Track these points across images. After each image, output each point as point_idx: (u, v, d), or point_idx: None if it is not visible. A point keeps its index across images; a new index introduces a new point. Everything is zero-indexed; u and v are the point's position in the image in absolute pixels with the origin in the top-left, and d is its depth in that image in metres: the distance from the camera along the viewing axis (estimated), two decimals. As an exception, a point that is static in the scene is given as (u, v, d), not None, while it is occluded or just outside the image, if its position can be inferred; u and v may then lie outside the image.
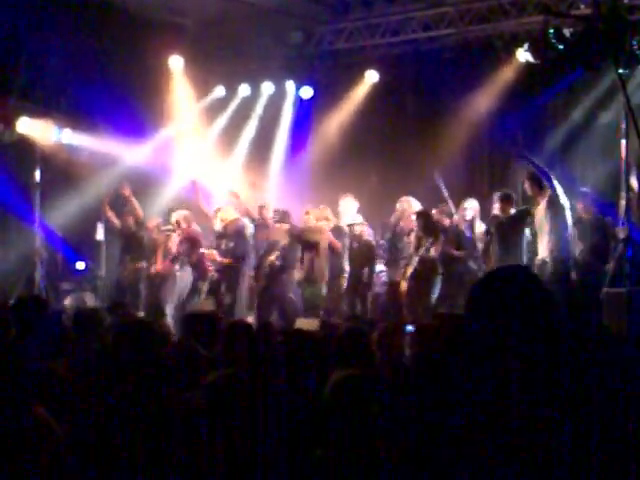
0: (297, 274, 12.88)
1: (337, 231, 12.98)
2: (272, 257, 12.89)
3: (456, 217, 12.45)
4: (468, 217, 12.38)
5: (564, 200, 10.90)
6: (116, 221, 13.98)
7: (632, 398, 3.11)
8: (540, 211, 11.14)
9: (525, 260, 11.29)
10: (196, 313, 8.89)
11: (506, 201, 11.58)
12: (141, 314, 12.44)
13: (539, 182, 11.15)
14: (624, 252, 10.50)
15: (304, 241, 12.74)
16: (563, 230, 10.90)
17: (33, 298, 7.85)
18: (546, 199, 11.00)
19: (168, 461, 3.83)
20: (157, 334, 6.03)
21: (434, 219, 12.21)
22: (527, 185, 11.35)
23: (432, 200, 12.87)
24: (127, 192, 13.80)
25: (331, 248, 12.81)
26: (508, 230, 11.39)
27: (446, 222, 12.42)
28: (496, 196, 11.75)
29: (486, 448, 2.41)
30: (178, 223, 13.27)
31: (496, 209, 11.65)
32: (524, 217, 11.44)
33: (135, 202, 13.84)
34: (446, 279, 11.87)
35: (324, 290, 12.84)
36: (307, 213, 13.09)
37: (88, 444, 3.84)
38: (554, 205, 10.91)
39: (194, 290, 13.26)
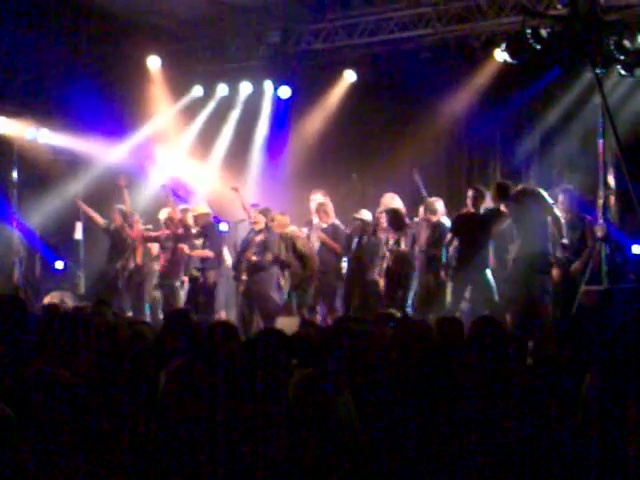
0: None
1: (333, 229, 12.97)
2: (249, 253, 12.82)
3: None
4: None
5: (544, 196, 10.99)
6: (99, 219, 13.88)
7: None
8: (515, 209, 11.13)
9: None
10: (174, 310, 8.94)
11: (477, 197, 11.56)
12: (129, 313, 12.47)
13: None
14: (602, 250, 10.58)
15: (298, 251, 12.66)
16: (542, 226, 10.94)
17: (12, 298, 7.80)
18: (524, 197, 11.05)
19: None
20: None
21: (402, 216, 12.24)
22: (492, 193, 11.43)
23: (410, 198, 12.91)
24: (123, 183, 13.60)
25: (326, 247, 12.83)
26: (475, 228, 11.36)
27: (432, 219, 12.38)
28: (470, 191, 11.74)
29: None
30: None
31: (468, 204, 11.63)
32: (495, 217, 11.39)
33: (127, 195, 13.68)
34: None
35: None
36: (272, 220, 12.94)
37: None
38: (534, 201, 10.97)
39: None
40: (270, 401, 4.25)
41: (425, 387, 4.60)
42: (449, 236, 11.54)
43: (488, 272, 11.17)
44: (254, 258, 12.69)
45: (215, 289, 13.04)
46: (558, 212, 10.94)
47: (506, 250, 11.45)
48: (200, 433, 3.87)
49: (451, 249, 11.55)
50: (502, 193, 11.15)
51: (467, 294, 11.73)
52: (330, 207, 13.07)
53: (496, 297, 11.03)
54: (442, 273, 11.57)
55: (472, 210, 11.50)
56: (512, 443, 3.96)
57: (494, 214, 11.34)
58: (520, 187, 11.39)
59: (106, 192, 14.73)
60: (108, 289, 13.35)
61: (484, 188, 11.85)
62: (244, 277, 12.79)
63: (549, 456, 3.85)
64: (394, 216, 12.13)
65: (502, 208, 11.14)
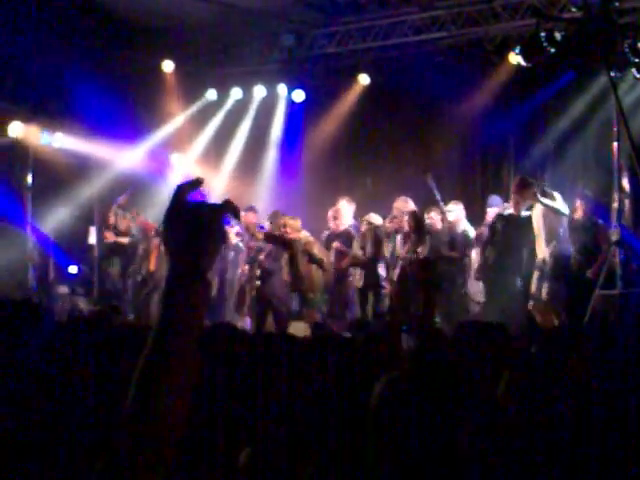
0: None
1: (346, 234, 12.94)
2: (261, 257, 12.85)
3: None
4: (451, 219, 12.43)
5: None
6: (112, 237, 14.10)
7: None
8: (536, 213, 11.27)
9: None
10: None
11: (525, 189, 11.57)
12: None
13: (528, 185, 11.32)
14: (616, 254, 10.54)
15: (314, 257, 12.63)
16: (559, 228, 11.05)
17: (26, 303, 7.82)
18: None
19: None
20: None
21: (423, 220, 12.24)
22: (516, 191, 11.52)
23: (424, 202, 12.90)
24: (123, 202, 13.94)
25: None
26: (513, 230, 11.51)
27: (438, 224, 12.44)
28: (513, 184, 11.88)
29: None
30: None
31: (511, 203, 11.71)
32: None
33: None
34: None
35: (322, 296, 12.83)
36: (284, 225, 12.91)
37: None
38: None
39: None
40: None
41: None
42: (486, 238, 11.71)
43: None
44: (266, 265, 12.75)
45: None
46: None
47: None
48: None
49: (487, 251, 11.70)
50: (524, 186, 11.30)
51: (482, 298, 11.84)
52: (342, 212, 13.01)
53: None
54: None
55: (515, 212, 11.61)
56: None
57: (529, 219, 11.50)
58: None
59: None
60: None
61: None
62: (258, 282, 12.80)
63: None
64: (419, 220, 12.07)
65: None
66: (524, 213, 11.59)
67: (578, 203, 11.47)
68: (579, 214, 11.40)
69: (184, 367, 1.85)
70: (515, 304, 11.19)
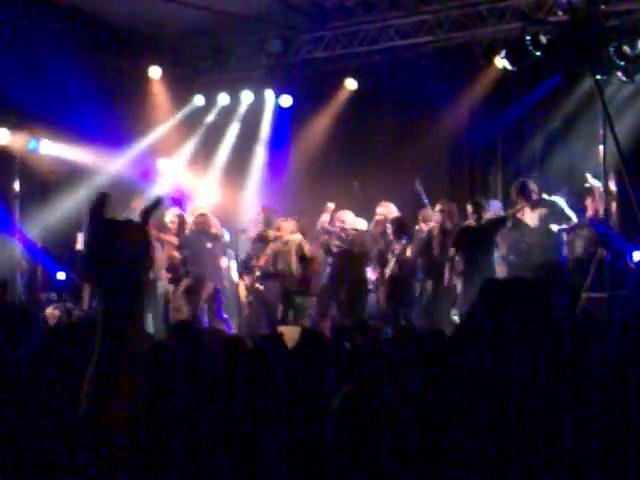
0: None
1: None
2: (261, 261, 12.95)
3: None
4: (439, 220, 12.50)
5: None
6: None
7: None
8: (531, 216, 11.34)
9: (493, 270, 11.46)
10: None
11: (476, 209, 11.74)
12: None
13: (525, 189, 11.41)
14: (604, 257, 10.58)
15: (303, 255, 12.66)
16: (556, 235, 11.13)
17: (15, 309, 7.80)
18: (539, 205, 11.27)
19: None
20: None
21: (408, 222, 12.33)
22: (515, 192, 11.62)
23: (413, 206, 12.93)
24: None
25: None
26: (477, 238, 11.55)
27: (426, 227, 12.49)
28: (469, 206, 11.92)
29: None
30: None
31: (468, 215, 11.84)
32: (497, 225, 11.65)
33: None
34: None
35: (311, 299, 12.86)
36: (278, 228, 12.98)
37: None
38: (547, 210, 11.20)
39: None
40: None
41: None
42: (452, 250, 11.68)
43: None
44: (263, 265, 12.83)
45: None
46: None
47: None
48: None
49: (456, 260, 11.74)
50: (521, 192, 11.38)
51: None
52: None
53: None
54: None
55: (473, 223, 11.66)
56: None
57: (494, 223, 11.56)
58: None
59: (108, 203, 14.73)
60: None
61: (482, 199, 12.02)
62: (257, 285, 12.88)
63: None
64: (400, 225, 12.15)
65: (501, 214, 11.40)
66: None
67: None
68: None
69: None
70: None
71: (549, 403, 2.89)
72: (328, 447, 3.60)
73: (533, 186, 11.78)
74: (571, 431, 2.93)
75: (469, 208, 11.80)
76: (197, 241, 13.01)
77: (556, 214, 11.53)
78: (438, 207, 12.29)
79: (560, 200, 11.62)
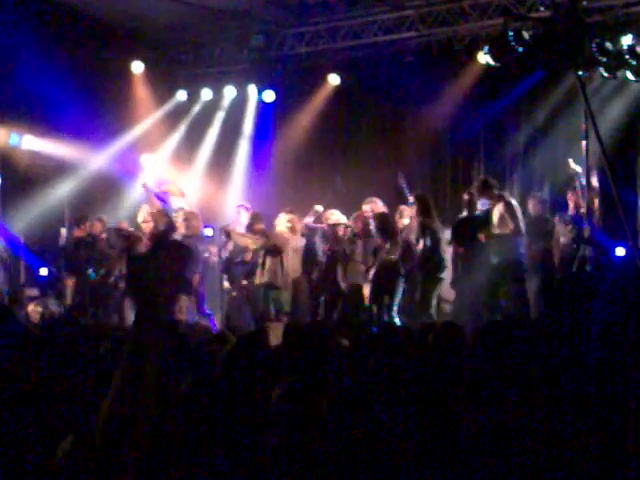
0: (257, 278, 12.81)
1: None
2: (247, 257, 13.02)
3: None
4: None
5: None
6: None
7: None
8: (496, 214, 11.35)
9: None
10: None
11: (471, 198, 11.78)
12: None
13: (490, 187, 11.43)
14: (585, 252, 10.64)
15: (272, 246, 12.60)
16: (517, 233, 11.16)
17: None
18: (502, 203, 11.24)
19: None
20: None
21: (393, 221, 12.24)
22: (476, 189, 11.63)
23: (395, 201, 12.92)
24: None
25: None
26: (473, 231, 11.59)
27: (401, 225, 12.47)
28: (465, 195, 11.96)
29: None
30: None
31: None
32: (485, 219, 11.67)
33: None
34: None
35: (287, 295, 12.81)
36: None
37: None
38: (510, 209, 11.18)
39: None
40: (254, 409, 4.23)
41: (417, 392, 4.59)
42: (453, 245, 11.76)
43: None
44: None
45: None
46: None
47: None
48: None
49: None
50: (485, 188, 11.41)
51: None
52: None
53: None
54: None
55: (467, 214, 11.70)
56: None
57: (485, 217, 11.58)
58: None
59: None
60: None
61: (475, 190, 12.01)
62: (244, 282, 12.87)
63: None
64: (384, 221, 12.05)
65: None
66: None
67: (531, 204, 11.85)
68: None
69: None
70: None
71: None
72: (326, 445, 3.62)
73: (494, 182, 11.78)
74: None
75: (465, 197, 11.83)
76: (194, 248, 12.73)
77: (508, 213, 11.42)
78: (411, 199, 12.20)
79: (515, 206, 11.54)
